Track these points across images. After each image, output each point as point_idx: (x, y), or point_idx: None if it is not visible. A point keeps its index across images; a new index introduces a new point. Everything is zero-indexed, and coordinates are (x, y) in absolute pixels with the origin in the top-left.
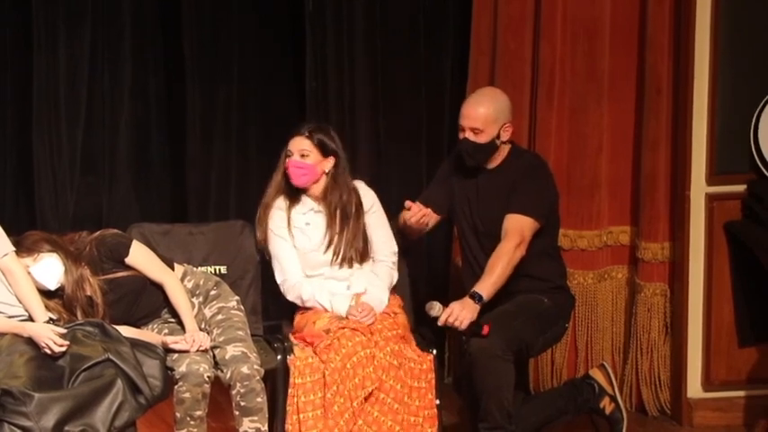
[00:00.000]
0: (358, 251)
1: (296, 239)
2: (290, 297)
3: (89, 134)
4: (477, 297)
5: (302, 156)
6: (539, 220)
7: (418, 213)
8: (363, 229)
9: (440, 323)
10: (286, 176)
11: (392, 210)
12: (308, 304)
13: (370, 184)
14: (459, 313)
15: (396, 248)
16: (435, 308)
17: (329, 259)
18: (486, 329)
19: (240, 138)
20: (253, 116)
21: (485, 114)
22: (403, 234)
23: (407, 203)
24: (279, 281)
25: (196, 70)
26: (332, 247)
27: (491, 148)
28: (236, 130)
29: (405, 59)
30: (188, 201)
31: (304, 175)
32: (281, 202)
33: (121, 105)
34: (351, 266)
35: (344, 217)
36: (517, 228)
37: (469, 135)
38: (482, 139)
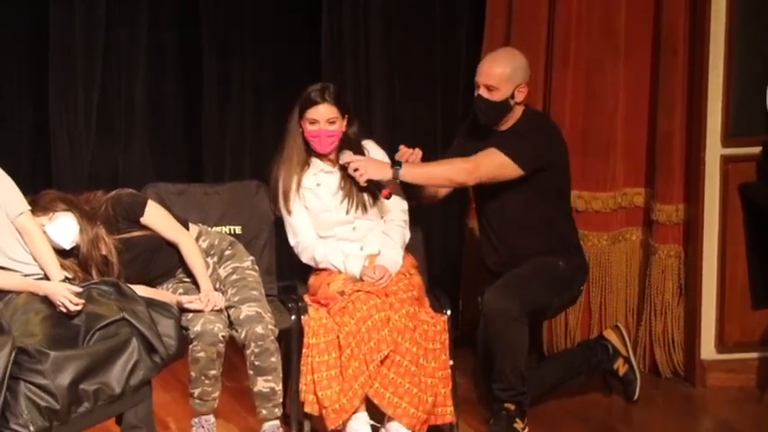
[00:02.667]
0: (370, 190)
1: (306, 200)
2: (304, 259)
3: (104, 94)
4: (397, 163)
5: (330, 123)
6: (519, 164)
7: (405, 155)
8: None
9: (342, 161)
10: (305, 142)
11: None
12: (321, 265)
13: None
14: (365, 165)
15: (406, 206)
16: (345, 155)
17: (343, 215)
18: (385, 192)
19: (256, 103)
20: (268, 80)
21: (500, 72)
22: (416, 198)
23: (401, 147)
24: (292, 243)
25: (213, 37)
26: (347, 197)
27: (505, 107)
28: (251, 92)
29: (420, 32)
30: (203, 160)
31: (333, 143)
32: (292, 166)
33: (137, 72)
34: (366, 211)
35: None
36: (482, 156)
37: (483, 92)
38: (496, 97)
